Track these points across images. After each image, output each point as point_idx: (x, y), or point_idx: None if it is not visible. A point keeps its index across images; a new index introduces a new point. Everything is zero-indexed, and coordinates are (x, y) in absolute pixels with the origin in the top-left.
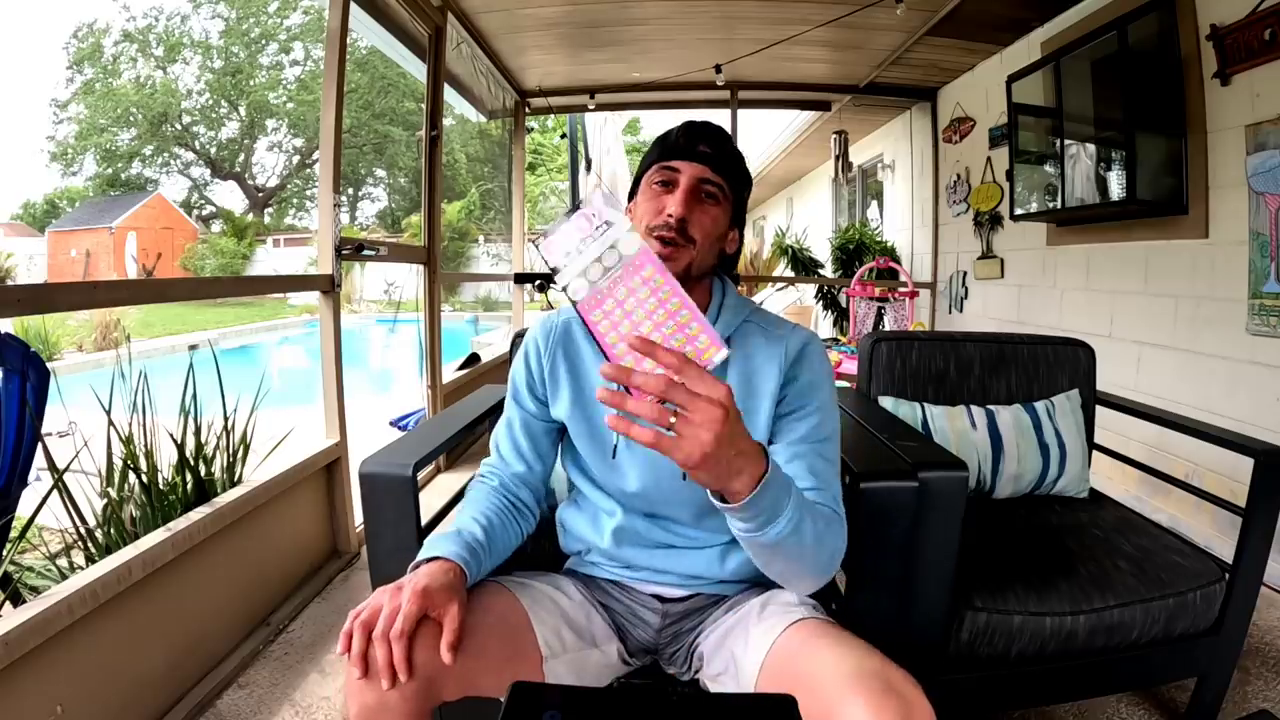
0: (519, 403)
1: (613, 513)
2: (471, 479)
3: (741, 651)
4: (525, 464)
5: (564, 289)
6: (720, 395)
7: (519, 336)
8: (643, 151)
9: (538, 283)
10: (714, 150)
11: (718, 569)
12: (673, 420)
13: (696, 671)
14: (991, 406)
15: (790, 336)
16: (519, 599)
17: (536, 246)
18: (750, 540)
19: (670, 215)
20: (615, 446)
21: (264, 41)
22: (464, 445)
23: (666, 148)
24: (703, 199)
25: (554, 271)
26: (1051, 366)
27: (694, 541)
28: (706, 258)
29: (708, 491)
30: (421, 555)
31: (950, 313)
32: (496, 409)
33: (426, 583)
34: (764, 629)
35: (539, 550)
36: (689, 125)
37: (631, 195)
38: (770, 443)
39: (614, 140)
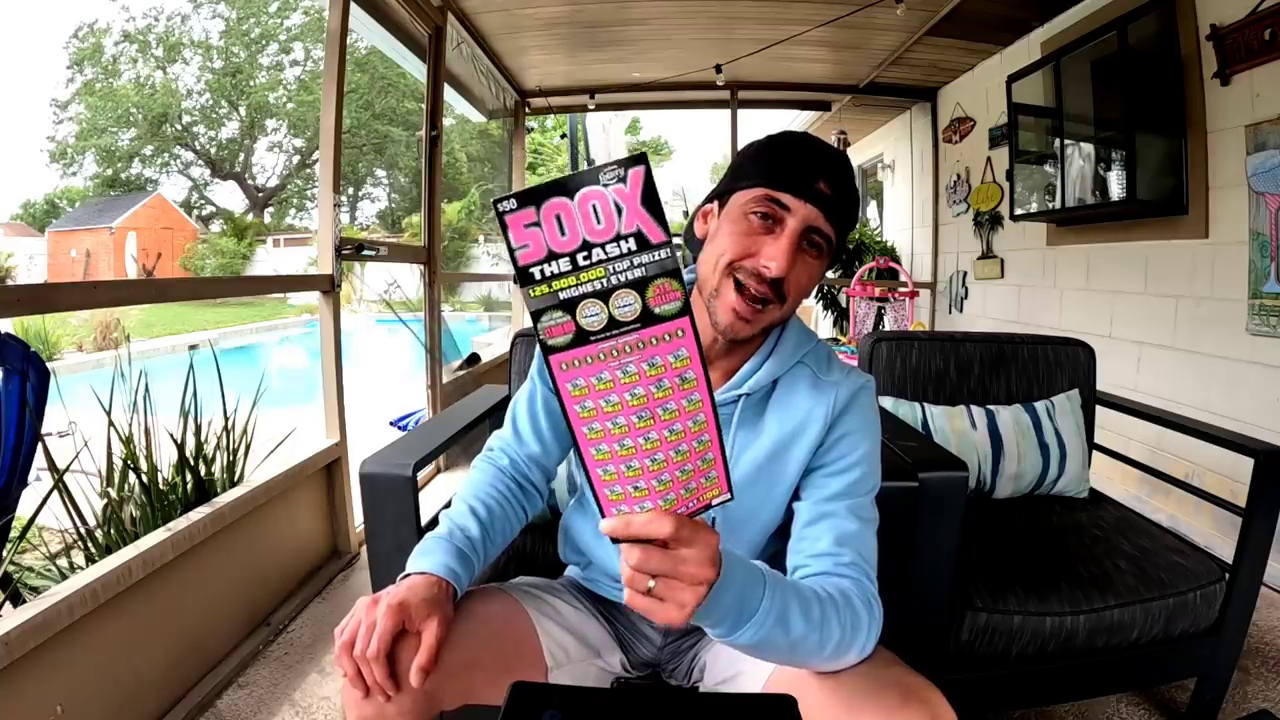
0: (541, 377)
1: None
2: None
3: (748, 662)
4: (540, 444)
5: (534, 316)
6: (708, 572)
7: (520, 337)
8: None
9: None
10: (834, 191)
11: None
12: (651, 585)
13: (697, 682)
14: (991, 406)
15: (841, 385)
16: (524, 607)
17: (499, 215)
18: (728, 643)
19: (768, 268)
20: None
21: (264, 42)
22: (463, 445)
23: (778, 171)
24: (805, 249)
25: (520, 271)
26: (1051, 366)
27: None
28: (788, 314)
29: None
30: (411, 564)
31: (950, 313)
32: (497, 409)
33: (404, 597)
34: None
35: (539, 553)
36: (809, 147)
37: (712, 197)
38: (796, 498)
39: (618, 144)
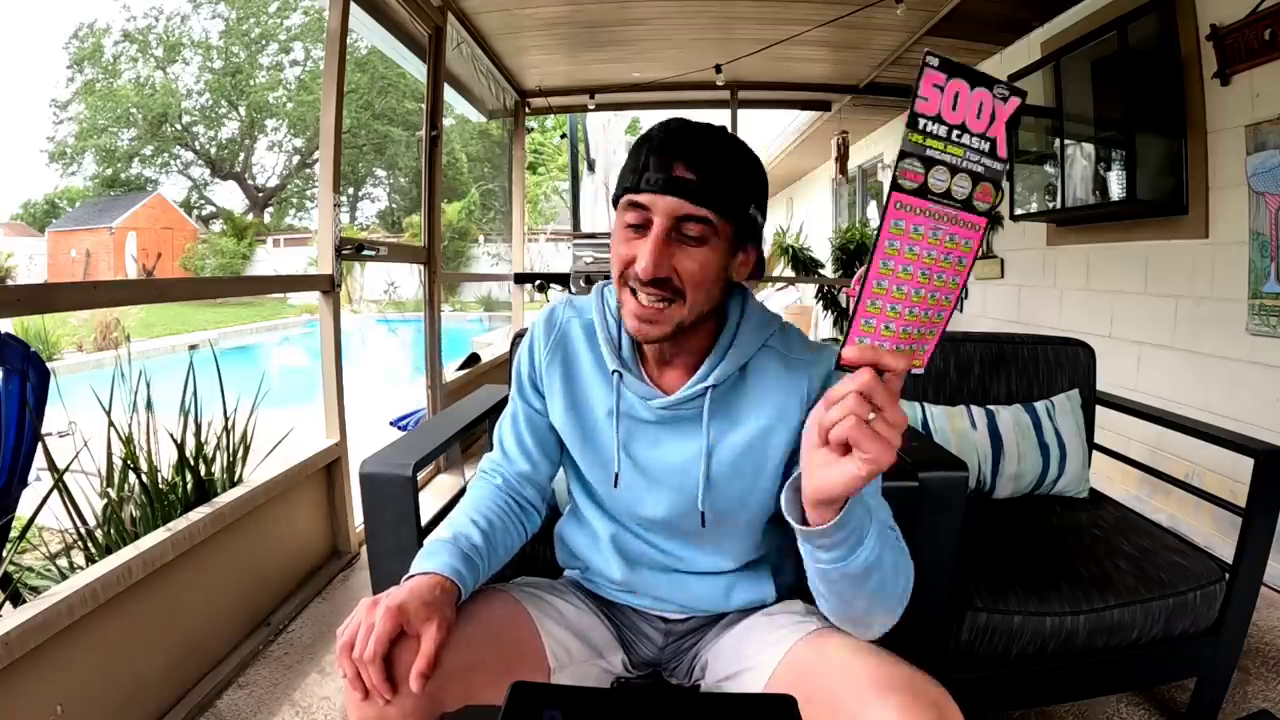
0: (523, 396)
1: (614, 537)
2: (464, 489)
3: (750, 659)
4: (530, 462)
5: (900, 155)
6: (904, 426)
7: (519, 337)
8: None
9: (537, 283)
10: (697, 173)
11: (722, 601)
12: (871, 417)
13: (699, 681)
14: (991, 406)
15: (815, 364)
16: (526, 608)
17: (923, 64)
18: (839, 571)
19: (640, 276)
20: (617, 475)
21: (264, 42)
22: (465, 446)
23: (635, 174)
24: (681, 240)
25: (911, 115)
26: (1051, 366)
27: (700, 571)
28: (702, 306)
29: (794, 525)
30: (415, 566)
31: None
32: (497, 409)
33: (404, 599)
34: (776, 638)
35: (538, 555)
36: (666, 136)
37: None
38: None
39: (619, 144)
